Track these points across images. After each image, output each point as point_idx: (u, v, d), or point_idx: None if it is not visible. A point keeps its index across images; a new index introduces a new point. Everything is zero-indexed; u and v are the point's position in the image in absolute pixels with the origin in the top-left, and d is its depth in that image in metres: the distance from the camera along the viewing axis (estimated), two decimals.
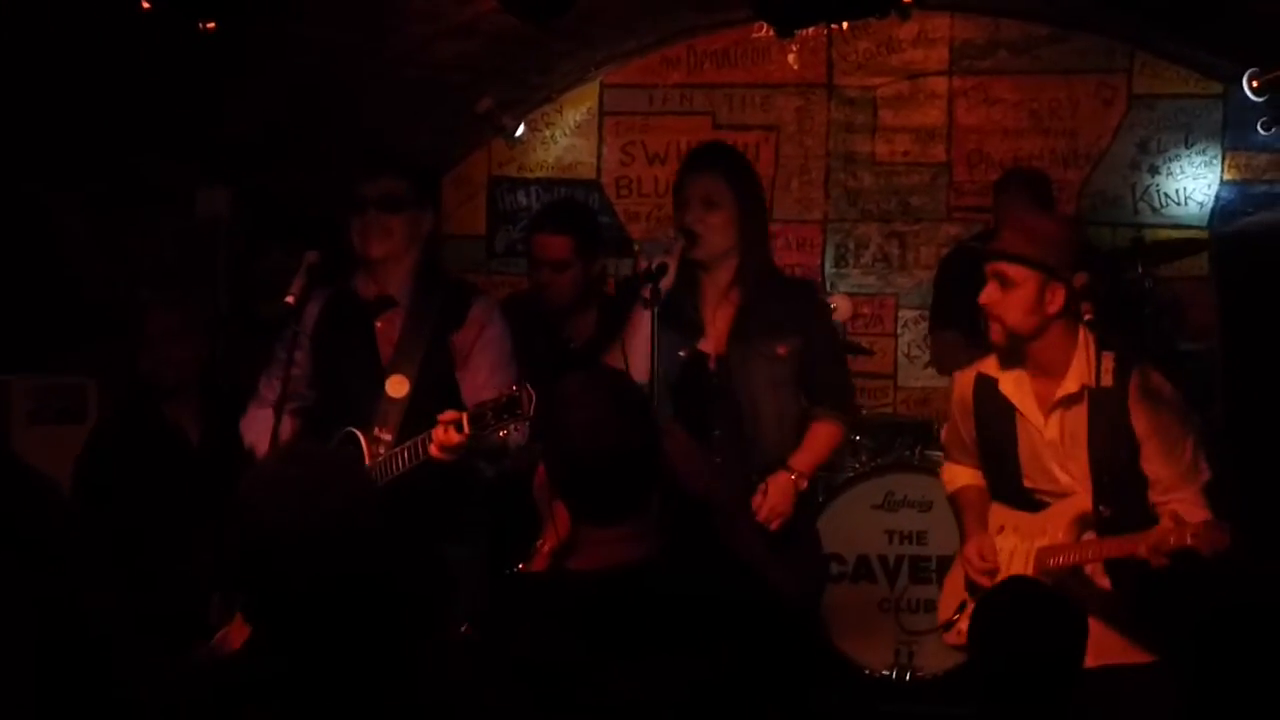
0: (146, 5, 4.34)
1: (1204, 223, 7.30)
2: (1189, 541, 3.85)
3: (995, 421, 4.36)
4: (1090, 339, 4.20)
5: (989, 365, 4.39)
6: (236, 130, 5.90)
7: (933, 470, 5.71)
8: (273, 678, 2.69)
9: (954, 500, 4.62)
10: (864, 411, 7.03)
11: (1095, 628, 3.88)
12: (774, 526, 4.45)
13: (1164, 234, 7.21)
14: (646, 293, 4.40)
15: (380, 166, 4.69)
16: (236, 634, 3.30)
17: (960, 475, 4.60)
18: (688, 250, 4.54)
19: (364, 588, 2.77)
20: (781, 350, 4.59)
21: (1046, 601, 3.56)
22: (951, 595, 4.52)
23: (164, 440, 5.09)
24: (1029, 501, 4.32)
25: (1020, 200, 6.44)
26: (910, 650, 6.11)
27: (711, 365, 4.59)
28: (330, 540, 2.74)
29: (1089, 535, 4.20)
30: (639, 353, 4.41)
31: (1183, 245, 7.08)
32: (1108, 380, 4.15)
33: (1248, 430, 6.19)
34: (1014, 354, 4.26)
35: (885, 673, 6.12)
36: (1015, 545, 4.31)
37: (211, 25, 4.46)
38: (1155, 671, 4.20)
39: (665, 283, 4.43)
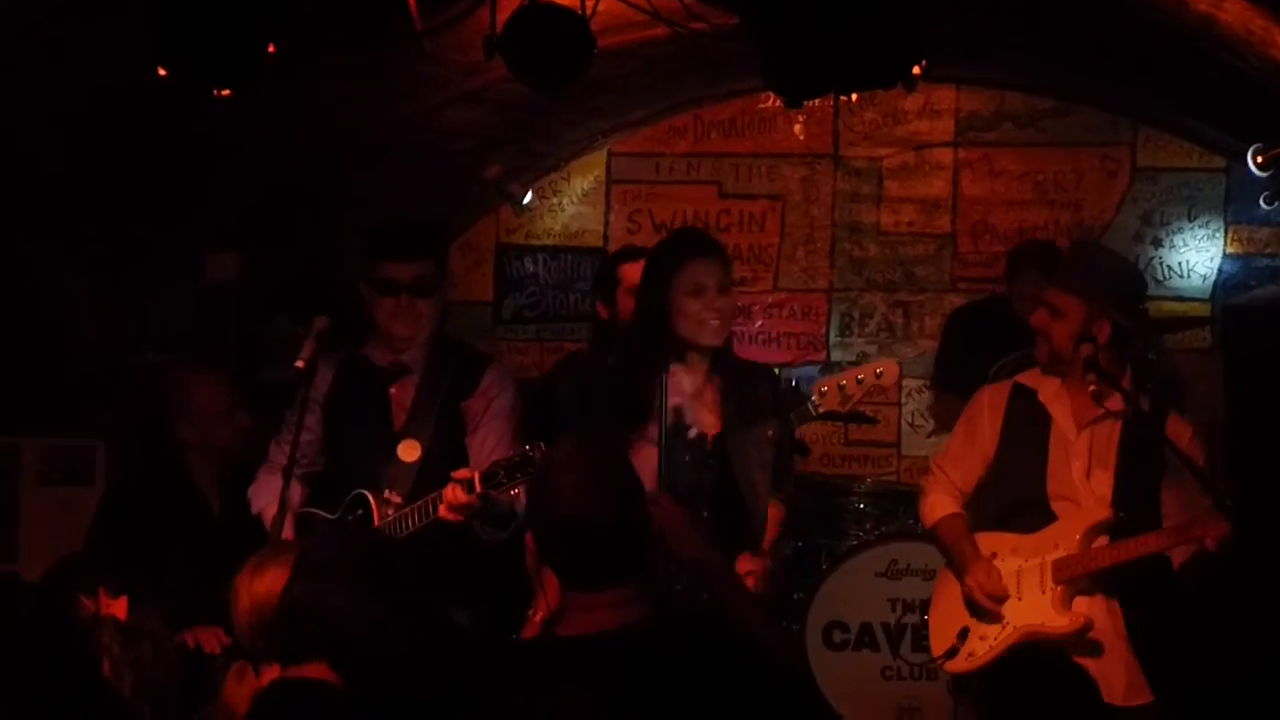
0: (163, 72, 4.37)
1: (1207, 295, 7.35)
2: (1200, 533, 4.14)
3: (1027, 429, 4.53)
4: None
5: (1027, 378, 4.61)
6: (242, 196, 5.94)
7: None
8: None
9: (939, 529, 4.69)
10: (868, 480, 7.06)
11: (1103, 670, 3.97)
12: None
13: (1167, 306, 7.25)
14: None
15: (409, 249, 4.67)
16: (236, 694, 3.32)
17: (943, 504, 4.69)
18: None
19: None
20: (770, 433, 4.60)
21: (1061, 668, 3.58)
22: (946, 624, 4.58)
23: (186, 506, 5.10)
24: (1036, 516, 4.44)
25: (1032, 274, 6.44)
26: (912, 718, 6.09)
27: (709, 446, 4.58)
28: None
29: (1101, 541, 4.34)
30: None
31: (1186, 318, 7.12)
32: (1145, 405, 4.44)
33: (1253, 502, 6.19)
34: (1058, 369, 4.50)
35: None
36: (1020, 566, 4.42)
37: (227, 92, 4.48)
38: (1156, 711, 4.31)
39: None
